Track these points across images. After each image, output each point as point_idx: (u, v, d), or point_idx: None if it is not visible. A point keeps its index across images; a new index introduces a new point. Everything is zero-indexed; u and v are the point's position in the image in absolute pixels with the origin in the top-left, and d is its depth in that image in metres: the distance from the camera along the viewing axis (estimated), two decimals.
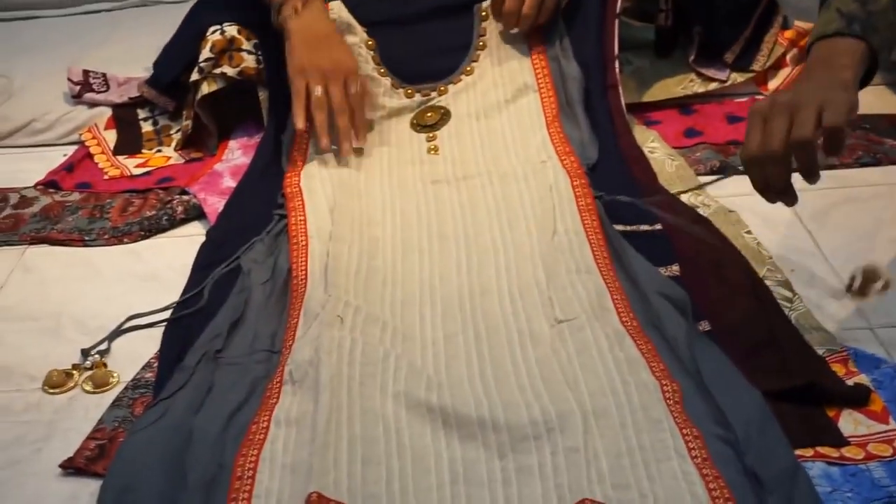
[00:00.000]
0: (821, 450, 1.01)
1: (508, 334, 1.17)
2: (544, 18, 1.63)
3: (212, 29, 1.65)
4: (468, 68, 1.66)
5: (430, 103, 1.63)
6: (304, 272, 1.27)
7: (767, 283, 1.26)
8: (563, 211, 1.36)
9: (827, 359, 1.13)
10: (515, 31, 1.65)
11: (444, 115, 1.60)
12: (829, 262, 1.32)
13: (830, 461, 1.00)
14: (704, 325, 1.18)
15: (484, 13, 1.69)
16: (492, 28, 1.68)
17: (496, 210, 1.39)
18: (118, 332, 1.29)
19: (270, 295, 1.27)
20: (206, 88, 1.64)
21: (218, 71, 1.63)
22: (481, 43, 1.68)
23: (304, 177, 1.46)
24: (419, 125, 1.60)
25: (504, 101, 1.61)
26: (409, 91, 1.64)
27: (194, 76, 1.64)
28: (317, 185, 1.44)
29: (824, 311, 1.22)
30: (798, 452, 1.00)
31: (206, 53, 1.63)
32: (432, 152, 1.54)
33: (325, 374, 1.06)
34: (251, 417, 1.06)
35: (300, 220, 1.36)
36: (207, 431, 1.04)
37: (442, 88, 1.64)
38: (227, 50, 1.64)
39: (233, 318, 1.23)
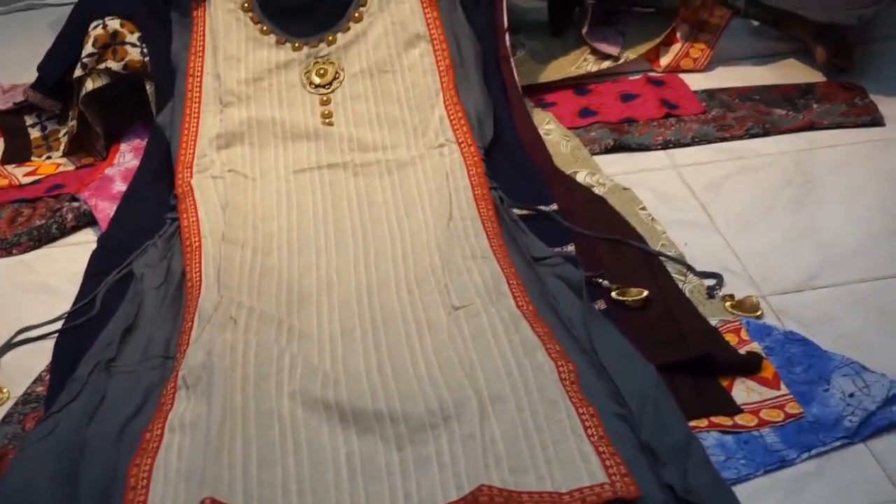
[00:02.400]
0: (715, 419, 1.03)
1: (406, 325, 1.16)
2: None
3: (93, 24, 1.61)
4: (356, 14, 1.62)
5: (320, 55, 1.60)
6: (198, 275, 1.25)
7: (662, 258, 1.27)
8: (460, 198, 1.35)
9: (720, 329, 1.15)
10: None
11: (338, 74, 1.57)
12: (722, 234, 1.33)
13: (724, 430, 1.02)
14: (601, 304, 1.19)
15: None
16: None
17: (393, 200, 1.38)
18: (8, 346, 1.25)
19: (164, 299, 1.25)
20: (90, 85, 1.59)
21: (102, 66, 1.59)
22: None
23: (196, 169, 1.43)
24: (311, 84, 1.56)
25: (396, 54, 1.58)
26: (297, 44, 1.60)
27: (77, 72, 1.59)
28: (208, 181, 1.41)
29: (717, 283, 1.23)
30: (693, 423, 1.01)
31: (88, 49, 1.59)
32: (326, 121, 1.51)
33: (217, 378, 1.05)
34: (145, 425, 1.04)
35: (192, 222, 1.34)
36: (101, 442, 1.02)
37: (330, 38, 1.61)
38: (111, 44, 1.60)
39: (125, 324, 1.20)
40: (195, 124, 1.51)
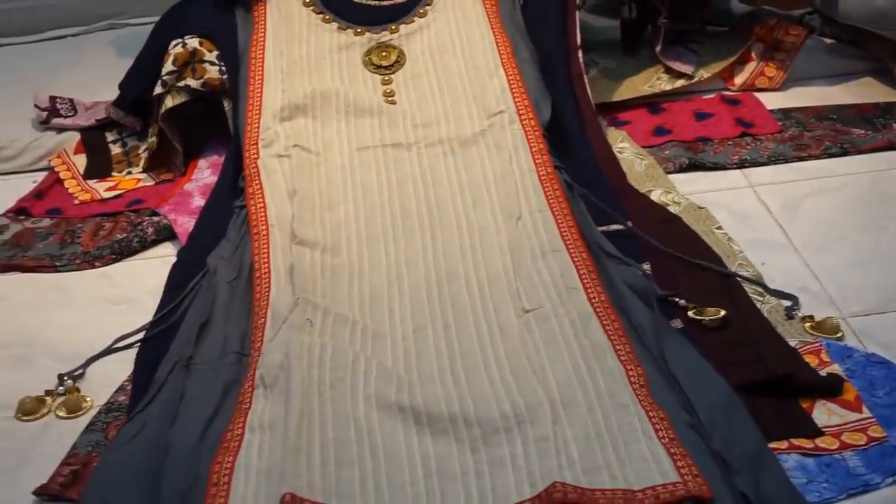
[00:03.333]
0: (795, 441, 1.02)
1: (478, 326, 1.18)
2: None
3: (174, 42, 1.65)
4: (421, 11, 1.67)
5: (381, 40, 1.63)
6: (266, 266, 1.27)
7: (739, 277, 1.26)
8: (526, 186, 1.37)
9: (800, 350, 1.13)
10: None
11: (400, 58, 1.60)
12: (800, 254, 1.32)
13: (805, 452, 1.00)
14: (677, 323, 1.18)
15: None
16: None
17: (458, 184, 1.39)
18: (108, 351, 1.27)
19: (236, 292, 1.27)
20: (169, 102, 1.63)
21: (181, 84, 1.62)
22: None
23: (262, 144, 1.45)
24: (373, 64, 1.60)
25: (457, 38, 1.62)
26: (359, 30, 1.64)
27: (157, 90, 1.63)
28: (274, 162, 1.43)
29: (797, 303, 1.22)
30: (773, 445, 1.00)
31: (168, 67, 1.63)
32: (389, 99, 1.54)
33: (295, 379, 1.07)
34: (226, 425, 1.06)
35: (260, 208, 1.36)
36: (184, 443, 1.04)
37: (393, 28, 1.65)
38: (190, 62, 1.63)
39: (201, 320, 1.23)
40: (258, 98, 1.54)
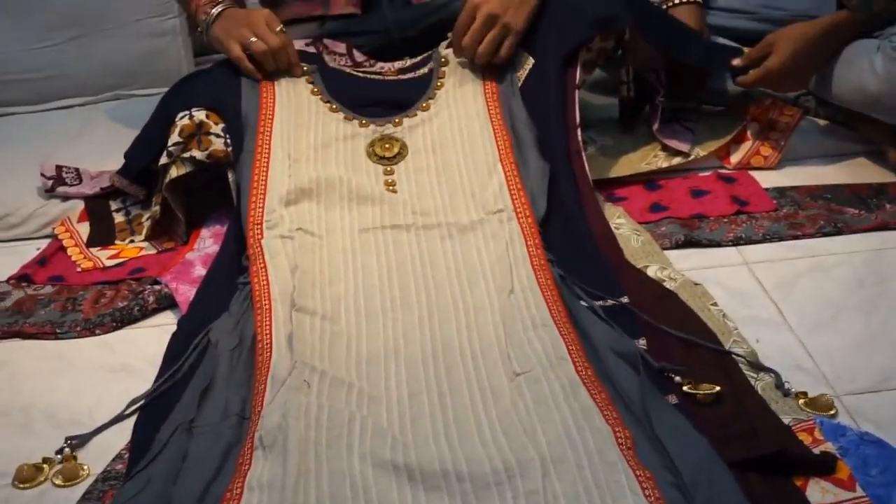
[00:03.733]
0: None
1: (471, 392, 1.21)
2: (501, 58, 1.72)
3: (180, 114, 1.68)
4: (424, 104, 1.72)
5: (385, 132, 1.68)
6: (268, 338, 1.30)
7: (734, 354, 1.27)
8: (519, 269, 1.41)
9: (794, 427, 1.14)
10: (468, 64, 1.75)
11: (402, 150, 1.64)
12: (795, 332, 1.33)
13: None
14: (672, 399, 1.19)
15: (444, 59, 1.77)
16: (451, 72, 1.75)
17: (455, 269, 1.43)
18: (120, 418, 1.28)
19: (238, 361, 1.30)
20: (174, 172, 1.65)
21: (187, 155, 1.65)
22: (439, 83, 1.75)
23: (266, 226, 1.48)
24: (376, 155, 1.64)
25: (458, 133, 1.66)
26: (364, 122, 1.69)
27: (163, 160, 1.66)
28: (277, 242, 1.46)
29: (791, 381, 1.23)
30: None
31: (174, 138, 1.65)
32: (390, 189, 1.57)
33: (293, 439, 1.10)
34: (226, 485, 1.08)
35: (263, 285, 1.39)
36: (185, 501, 1.06)
37: (397, 121, 1.70)
38: (196, 134, 1.66)
39: (202, 386, 1.25)
40: (264, 181, 1.57)
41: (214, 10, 1.75)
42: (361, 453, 1.09)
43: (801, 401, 1.19)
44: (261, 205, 1.53)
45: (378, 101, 1.74)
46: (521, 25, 1.70)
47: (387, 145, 1.65)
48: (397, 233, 1.49)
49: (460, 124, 1.67)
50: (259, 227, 1.49)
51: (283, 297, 1.37)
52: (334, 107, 1.71)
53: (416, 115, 1.70)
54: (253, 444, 1.13)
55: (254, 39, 1.70)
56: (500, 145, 1.63)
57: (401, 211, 1.53)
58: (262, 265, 1.42)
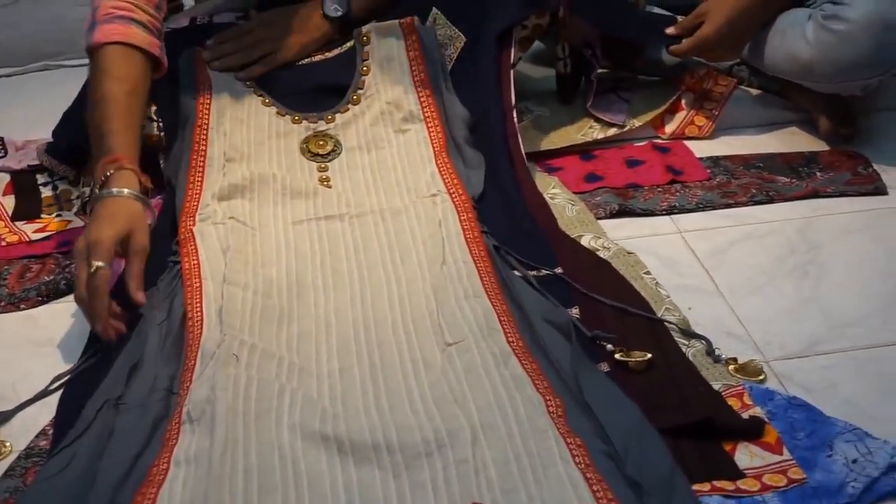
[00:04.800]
0: (717, 483, 1.02)
1: (402, 364, 1.20)
2: None
3: None
4: (354, 97, 1.69)
5: (318, 129, 1.65)
6: (199, 314, 1.28)
7: (666, 323, 1.27)
8: (452, 243, 1.40)
9: (723, 393, 1.15)
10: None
11: (336, 147, 1.62)
12: (727, 300, 1.34)
13: (727, 494, 1.01)
14: (604, 366, 1.20)
15: (364, 37, 1.74)
16: (373, 53, 1.72)
17: (388, 246, 1.42)
18: (44, 393, 1.25)
19: (167, 336, 1.28)
20: None
21: None
22: (364, 68, 1.72)
23: (199, 218, 1.46)
24: (310, 152, 1.61)
25: (393, 132, 1.65)
26: (297, 118, 1.67)
27: None
28: (210, 227, 1.44)
29: (721, 347, 1.23)
30: (695, 487, 1.01)
31: None
32: (324, 184, 1.56)
33: (220, 409, 1.08)
34: (152, 460, 1.07)
35: (194, 265, 1.37)
36: (109, 476, 1.04)
37: (329, 117, 1.67)
38: None
39: (131, 363, 1.23)
40: (200, 177, 1.55)
41: (98, 193, 1.37)
42: (291, 424, 1.08)
43: (731, 367, 1.20)
44: (196, 200, 1.51)
45: (307, 88, 1.71)
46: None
47: (321, 142, 1.63)
48: (331, 222, 1.48)
49: (392, 120, 1.66)
50: (192, 218, 1.47)
51: (215, 274, 1.35)
52: (266, 101, 1.68)
53: (347, 109, 1.68)
54: (181, 418, 1.11)
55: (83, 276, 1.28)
56: (435, 143, 1.62)
57: (335, 203, 1.52)
58: (192, 247, 1.40)
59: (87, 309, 1.27)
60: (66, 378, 1.28)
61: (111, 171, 1.36)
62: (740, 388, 1.15)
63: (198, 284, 1.33)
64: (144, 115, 1.52)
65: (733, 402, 1.13)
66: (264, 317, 1.27)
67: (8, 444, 1.18)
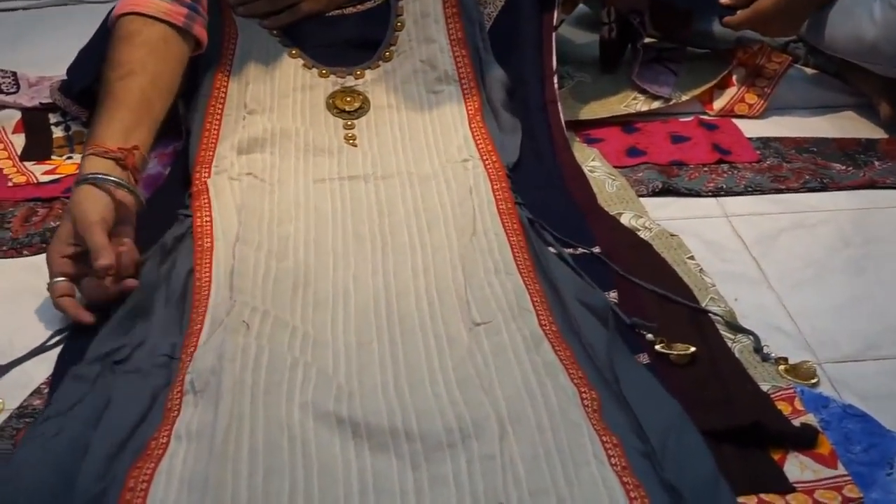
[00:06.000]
0: (765, 497, 0.94)
1: (425, 339, 1.11)
2: None
3: None
4: (386, 53, 1.60)
5: (346, 85, 1.56)
6: (207, 276, 1.20)
7: (710, 313, 1.18)
8: (483, 212, 1.31)
9: (772, 396, 1.06)
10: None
11: (364, 104, 1.53)
12: (776, 291, 1.25)
13: None
14: (643, 358, 1.11)
15: None
16: (409, 8, 1.62)
17: (414, 211, 1.33)
18: (41, 349, 1.17)
19: (168, 298, 1.19)
20: None
21: None
22: (398, 23, 1.62)
23: (214, 170, 1.38)
24: (336, 108, 1.53)
25: (425, 92, 1.56)
26: (324, 71, 1.57)
27: None
28: (225, 181, 1.36)
29: (770, 344, 1.14)
30: (741, 500, 0.92)
31: None
32: (350, 142, 1.47)
33: (226, 382, 1.00)
34: (151, 433, 0.98)
35: (206, 221, 1.28)
36: (104, 446, 0.96)
37: (358, 73, 1.58)
38: None
39: (131, 318, 1.15)
40: (217, 126, 1.46)
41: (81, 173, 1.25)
42: (302, 402, 0.99)
43: (782, 367, 1.11)
44: (211, 151, 1.42)
45: (337, 41, 1.62)
46: None
47: (348, 98, 1.54)
48: (354, 182, 1.39)
49: (426, 80, 1.56)
50: (207, 168, 1.39)
51: (227, 234, 1.26)
52: (293, 52, 1.59)
53: (378, 65, 1.59)
54: (183, 387, 1.03)
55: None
56: (469, 106, 1.53)
57: (360, 162, 1.43)
58: (205, 200, 1.32)
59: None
60: (65, 333, 1.19)
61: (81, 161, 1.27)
62: (791, 391, 1.06)
63: (209, 245, 1.24)
64: (147, 97, 1.34)
65: (783, 407, 1.04)
66: (278, 281, 1.19)
67: (1, 401, 1.10)
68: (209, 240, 1.25)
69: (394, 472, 0.93)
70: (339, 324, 1.14)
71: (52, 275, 1.20)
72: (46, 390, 1.10)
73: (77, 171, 1.27)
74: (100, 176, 1.22)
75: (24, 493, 0.91)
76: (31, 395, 1.10)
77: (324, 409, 0.99)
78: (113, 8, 1.45)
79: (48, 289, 1.20)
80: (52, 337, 1.19)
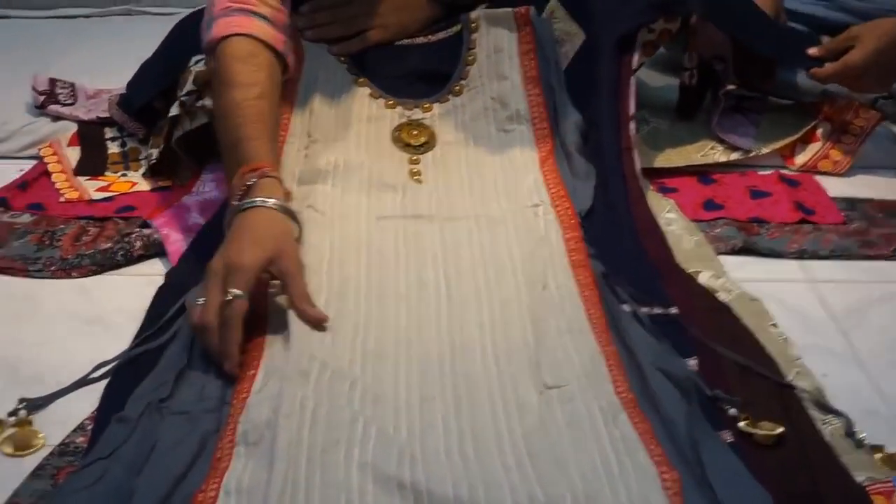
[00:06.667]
0: None
1: (492, 402, 1.03)
2: None
3: (195, 59, 1.48)
4: (456, 87, 1.54)
5: (413, 118, 1.50)
6: (263, 316, 1.13)
7: (797, 389, 1.10)
8: (555, 264, 1.24)
9: (868, 489, 0.97)
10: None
11: (431, 139, 1.48)
12: (867, 370, 1.16)
13: None
14: (727, 436, 1.03)
15: (473, 24, 1.59)
16: (482, 42, 1.57)
17: (482, 257, 1.26)
18: (83, 382, 1.11)
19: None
20: (187, 125, 1.46)
21: (200, 104, 1.45)
22: (470, 57, 1.56)
23: None
24: (402, 142, 1.47)
25: (495, 131, 1.50)
26: (391, 102, 1.52)
27: (174, 111, 1.46)
28: None
29: (861, 428, 1.05)
30: None
31: (188, 86, 1.45)
32: (415, 178, 1.40)
33: (282, 439, 0.93)
34: (199, 484, 0.92)
35: None
36: (148, 497, 0.90)
37: (426, 106, 1.53)
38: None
39: (179, 364, 1.08)
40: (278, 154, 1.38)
41: (247, 202, 1.17)
42: (362, 463, 0.92)
43: (878, 455, 1.02)
44: None
45: (405, 72, 1.57)
46: None
47: (414, 132, 1.48)
48: (419, 222, 1.32)
49: (496, 118, 1.51)
50: None
51: None
52: (361, 80, 1.54)
53: (447, 99, 1.53)
54: (234, 437, 0.96)
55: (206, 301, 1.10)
56: (541, 148, 1.47)
57: (425, 201, 1.36)
58: None
59: (211, 339, 1.07)
60: (111, 365, 1.13)
61: (253, 180, 1.18)
62: (889, 484, 0.97)
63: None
64: (278, 122, 1.33)
65: (879, 502, 0.96)
66: (338, 328, 1.12)
67: (41, 435, 1.04)
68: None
69: None
70: (402, 377, 1.07)
71: (240, 285, 1.07)
72: (91, 426, 1.04)
73: (234, 188, 1.19)
74: (287, 207, 1.18)
75: None
76: (74, 431, 1.04)
77: (385, 472, 0.91)
78: (186, 22, 1.43)
79: (220, 302, 1.06)
80: (96, 368, 1.13)
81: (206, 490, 0.91)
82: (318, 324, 1.09)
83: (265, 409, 0.98)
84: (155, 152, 1.51)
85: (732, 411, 1.05)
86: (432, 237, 1.30)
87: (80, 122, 1.67)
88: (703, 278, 1.30)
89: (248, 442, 0.95)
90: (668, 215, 1.45)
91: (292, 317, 1.11)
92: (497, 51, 1.57)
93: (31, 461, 1.00)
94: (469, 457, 0.96)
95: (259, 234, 1.13)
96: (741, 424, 1.04)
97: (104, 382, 1.11)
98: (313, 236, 1.26)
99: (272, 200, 1.16)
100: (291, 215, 1.19)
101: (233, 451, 0.95)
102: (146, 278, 1.31)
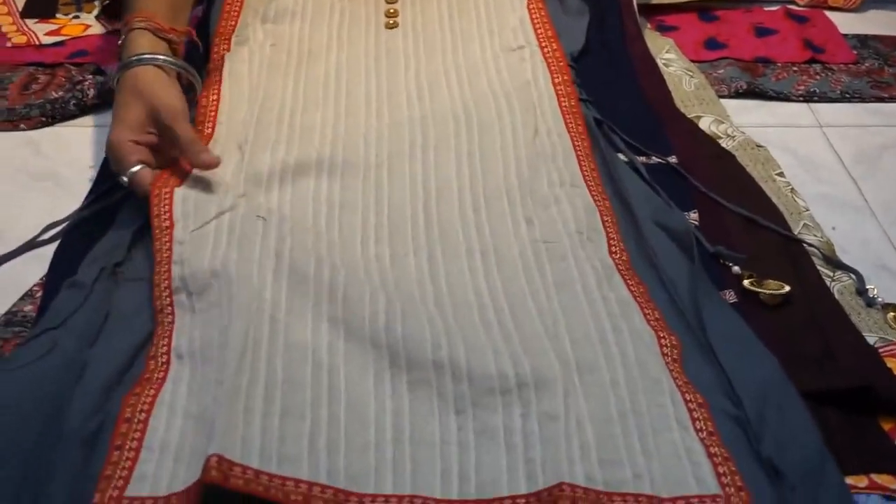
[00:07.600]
0: (877, 478, 0.79)
1: (469, 254, 0.94)
2: None
3: None
4: None
5: None
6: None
7: (805, 243, 1.02)
8: (544, 109, 1.13)
9: (880, 350, 0.90)
10: None
11: None
12: (880, 222, 1.08)
13: (890, 494, 0.78)
14: (729, 295, 0.95)
15: None
16: None
17: (461, 100, 1.14)
18: (31, 245, 1.03)
19: None
20: None
21: None
22: None
23: (235, 41, 1.20)
24: None
25: None
26: None
27: None
28: (244, 53, 1.18)
29: (875, 285, 0.98)
30: (849, 481, 0.78)
31: None
32: (391, 20, 1.28)
33: (241, 292, 0.85)
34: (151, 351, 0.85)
35: (212, 101, 1.11)
36: (103, 369, 0.83)
37: None
38: None
39: (136, 223, 0.98)
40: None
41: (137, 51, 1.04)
42: (332, 317, 0.85)
43: (890, 314, 0.95)
44: (234, 20, 1.24)
45: None
46: None
47: None
48: (393, 64, 1.20)
49: None
50: (227, 41, 1.21)
51: (232, 123, 1.09)
52: None
53: None
54: (171, 283, 0.88)
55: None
56: None
57: (400, 41, 1.24)
58: (216, 78, 1.15)
59: None
60: (63, 226, 1.04)
61: (123, 35, 1.06)
62: None
63: (209, 131, 1.07)
64: None
65: (894, 365, 0.89)
66: (298, 177, 1.02)
67: None
68: (211, 125, 1.08)
69: (434, 416, 0.79)
70: (371, 231, 0.98)
71: (129, 164, 0.98)
72: (39, 294, 0.96)
73: (121, 44, 1.06)
74: (167, 59, 1.04)
75: (9, 428, 0.77)
76: (22, 298, 0.96)
77: (358, 328, 0.84)
78: None
79: (128, 179, 0.97)
80: (46, 229, 1.04)
81: (157, 355, 0.83)
82: (209, 168, 0.98)
83: (208, 250, 0.90)
84: None
85: (736, 269, 0.98)
86: (407, 78, 1.18)
87: None
88: (705, 123, 1.21)
89: (191, 291, 0.87)
90: (667, 55, 1.34)
91: (246, 162, 1.02)
92: None
93: None
94: (447, 312, 0.87)
95: (126, 102, 1.00)
96: (745, 283, 0.96)
97: (54, 245, 1.03)
98: (272, 82, 1.15)
99: (137, 56, 1.02)
100: (169, 66, 1.04)
101: (172, 300, 0.87)
102: (100, 129, 1.21)
